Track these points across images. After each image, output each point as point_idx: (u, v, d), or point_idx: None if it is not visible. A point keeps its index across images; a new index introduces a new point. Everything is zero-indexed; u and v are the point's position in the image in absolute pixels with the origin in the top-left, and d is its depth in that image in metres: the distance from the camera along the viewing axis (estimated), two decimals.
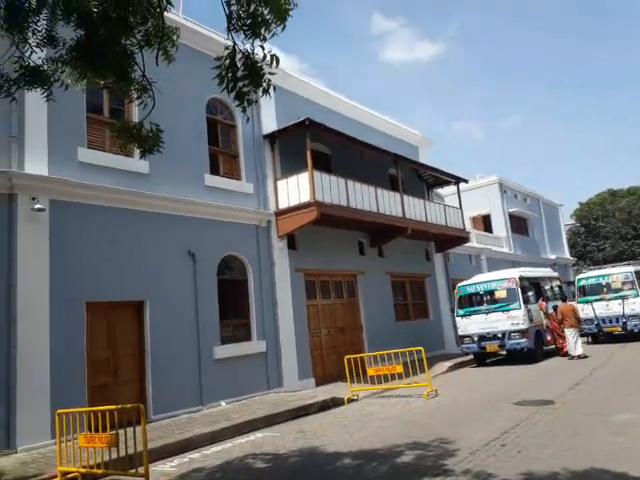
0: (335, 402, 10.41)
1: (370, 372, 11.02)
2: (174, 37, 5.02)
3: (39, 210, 8.45)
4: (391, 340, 14.60)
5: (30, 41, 4.86)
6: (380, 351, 11.79)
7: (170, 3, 4.55)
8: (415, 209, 16.60)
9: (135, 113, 10.24)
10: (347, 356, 11.33)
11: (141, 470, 5.55)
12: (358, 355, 11.71)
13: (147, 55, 5.14)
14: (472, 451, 6.00)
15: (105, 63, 4.80)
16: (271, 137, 13.58)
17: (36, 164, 8.70)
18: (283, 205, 13.16)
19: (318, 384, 13.00)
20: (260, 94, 4.53)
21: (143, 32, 4.96)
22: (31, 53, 4.86)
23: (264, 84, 4.39)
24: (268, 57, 4.05)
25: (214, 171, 12.15)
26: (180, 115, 10.86)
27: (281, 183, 13.41)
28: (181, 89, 10.96)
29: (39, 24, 4.96)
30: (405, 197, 16.17)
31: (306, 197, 12.74)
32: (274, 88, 4.52)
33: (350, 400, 10.63)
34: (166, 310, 10.12)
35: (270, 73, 4.40)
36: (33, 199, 8.48)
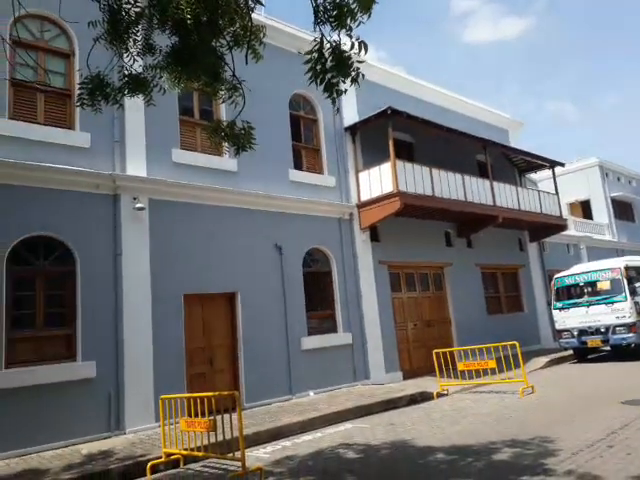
0: (424, 396, 10.23)
1: (460, 367, 10.70)
2: (261, 35, 5.14)
3: (140, 209, 9.06)
4: (482, 334, 14.08)
5: (131, 51, 5.20)
6: (470, 345, 11.41)
7: (260, 2, 4.66)
8: (506, 196, 15.81)
9: (223, 113, 10.65)
10: (435, 350, 11.08)
11: (238, 455, 5.79)
12: (447, 349, 11.41)
13: (236, 55, 5.31)
14: (575, 451, 5.63)
15: (198, 66, 5.03)
16: (352, 129, 13.55)
17: (136, 166, 9.35)
18: (365, 197, 13.10)
19: (405, 378, 12.84)
20: (349, 84, 4.51)
21: (232, 33, 5.13)
22: (133, 62, 5.18)
23: (352, 73, 4.37)
24: (356, 45, 4.02)
25: (298, 166, 12.36)
26: (266, 112, 11.13)
27: (363, 175, 13.35)
28: (266, 87, 11.22)
29: (138, 34, 5.30)
30: (495, 184, 15.46)
31: (389, 188, 12.59)
32: (363, 76, 4.49)
33: (440, 395, 10.39)
34: (256, 301, 10.48)
35: (358, 61, 4.38)
36: (134, 199, 9.12)
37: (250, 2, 4.91)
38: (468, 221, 15.30)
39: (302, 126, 12.87)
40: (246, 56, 5.09)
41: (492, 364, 10.21)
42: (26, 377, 7.55)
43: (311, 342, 11.25)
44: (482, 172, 16.32)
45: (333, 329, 12.04)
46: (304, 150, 12.80)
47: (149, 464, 6.34)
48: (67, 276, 8.41)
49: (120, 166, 9.19)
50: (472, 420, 7.92)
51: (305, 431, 8.05)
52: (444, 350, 11.10)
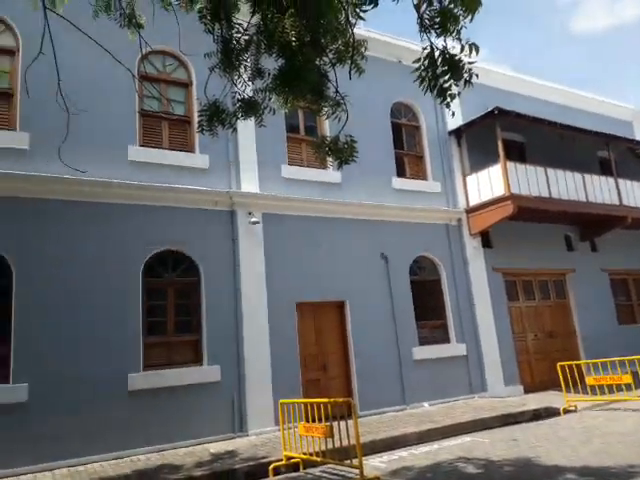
0: (549, 412, 9.53)
1: (589, 381, 9.84)
2: (363, 49, 5.25)
3: (254, 223, 9.62)
4: (612, 346, 12.80)
5: (243, 76, 5.59)
6: (600, 358, 10.43)
7: (361, 17, 4.78)
8: (635, 194, 14.31)
9: (327, 127, 10.96)
10: (560, 363, 10.30)
11: (355, 462, 5.86)
12: (574, 362, 10.55)
13: (338, 71, 5.48)
14: None
15: (304, 85, 5.26)
16: (457, 132, 13.18)
17: (250, 183, 9.95)
18: (474, 201, 12.63)
19: (527, 391, 12.06)
20: (462, 86, 4.45)
21: (334, 50, 5.31)
22: (245, 87, 5.57)
23: (465, 75, 4.31)
24: (466, 48, 3.98)
25: (401, 174, 12.29)
26: (368, 123, 11.24)
27: (470, 179, 12.90)
28: (367, 98, 11.35)
29: (248, 60, 5.69)
30: (621, 181, 14.08)
31: (500, 191, 12.02)
32: (476, 76, 4.42)
33: (567, 411, 9.62)
34: (364, 310, 10.55)
35: (470, 63, 4.32)
36: (249, 214, 9.70)
37: (351, 19, 5.05)
38: (591, 223, 14.06)
39: (404, 133, 12.80)
40: (350, 72, 5.23)
41: (627, 379, 9.26)
42: (160, 379, 8.33)
43: (423, 352, 11.03)
44: (604, 170, 14.94)
45: (445, 339, 11.70)
46: (407, 157, 12.70)
47: (271, 466, 6.64)
48: (193, 287, 9.16)
49: (235, 184, 9.84)
50: (607, 440, 7.22)
51: (421, 442, 7.89)
52: (570, 363, 10.30)
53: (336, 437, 6.15)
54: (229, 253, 9.47)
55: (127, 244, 8.53)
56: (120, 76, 7.87)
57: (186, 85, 10.02)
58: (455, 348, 11.58)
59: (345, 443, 6.16)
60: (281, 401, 7.33)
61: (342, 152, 5.67)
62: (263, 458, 7.02)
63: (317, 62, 5.39)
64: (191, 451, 7.89)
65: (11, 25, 8.50)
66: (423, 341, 11.25)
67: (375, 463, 6.88)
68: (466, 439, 7.98)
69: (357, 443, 5.87)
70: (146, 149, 9.21)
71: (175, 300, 8.99)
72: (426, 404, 10.62)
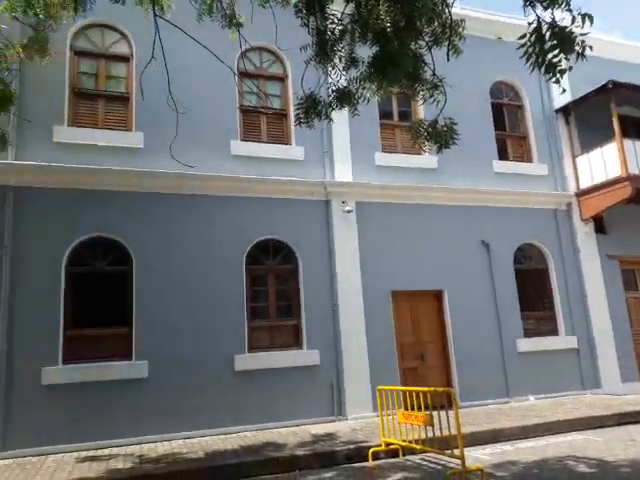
0: None
1: None
2: (460, 30, 5.07)
3: (348, 212, 9.71)
4: None
5: (337, 67, 5.65)
6: None
7: None
8: None
9: (421, 111, 10.71)
10: None
11: (456, 452, 5.76)
12: None
13: (435, 53, 5.33)
14: None
15: (399, 71, 5.20)
16: (564, 110, 12.22)
17: (343, 172, 10.04)
18: (585, 184, 11.69)
19: None
20: (574, 60, 4.13)
21: (430, 33, 5.18)
22: (339, 77, 5.63)
23: (577, 48, 4.00)
24: (578, 18, 3.68)
25: (502, 156, 11.69)
26: (466, 105, 10.79)
27: (581, 159, 11.94)
28: (465, 79, 10.89)
29: (342, 50, 5.73)
30: None
31: (615, 172, 11.01)
32: (590, 48, 4.09)
33: None
34: (464, 300, 10.25)
35: (582, 34, 4.00)
36: (343, 203, 9.80)
37: None
38: None
39: (505, 114, 12.13)
40: (447, 53, 5.07)
41: None
42: (263, 361, 8.77)
43: (528, 344, 10.51)
44: None
45: (553, 331, 11.03)
46: (509, 139, 12.04)
47: (370, 450, 6.74)
48: (291, 273, 9.50)
49: (330, 174, 9.98)
50: None
51: (526, 437, 7.55)
52: None
53: (436, 427, 6.09)
54: (325, 241, 9.66)
55: (231, 234, 9.03)
56: (222, 74, 8.31)
57: (282, 79, 10.31)
58: (564, 341, 10.88)
59: (445, 433, 6.07)
60: (379, 387, 7.37)
61: (441, 136, 5.53)
62: (362, 442, 7.14)
63: (412, 46, 5.30)
64: (293, 431, 8.24)
65: (126, 34, 9.29)
66: (528, 333, 10.71)
67: (477, 455, 6.72)
68: (577, 437, 7.51)
69: (458, 433, 5.76)
70: (246, 143, 9.64)
71: (275, 286, 9.39)
72: (531, 398, 10.13)
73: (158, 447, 7.56)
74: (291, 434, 8.02)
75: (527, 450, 6.86)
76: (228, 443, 7.56)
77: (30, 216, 8.04)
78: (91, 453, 7.36)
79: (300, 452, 6.76)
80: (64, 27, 7.62)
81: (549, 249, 11.31)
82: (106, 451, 7.46)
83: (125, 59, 9.30)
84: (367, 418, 8.90)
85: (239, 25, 6.72)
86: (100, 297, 8.34)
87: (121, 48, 9.34)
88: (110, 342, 8.21)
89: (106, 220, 8.40)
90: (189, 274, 8.66)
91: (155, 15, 6.67)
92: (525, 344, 10.48)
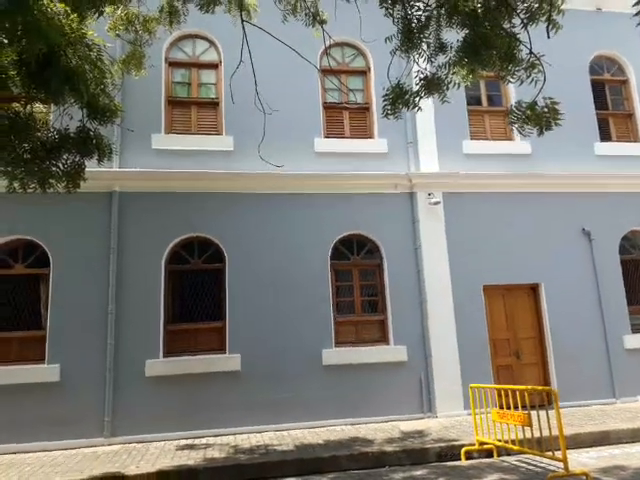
0: None
1: None
2: (559, 3, 4.72)
3: (435, 203, 9.46)
4: None
5: (426, 54, 5.50)
6: None
7: None
8: None
9: (512, 95, 10.15)
10: None
11: (558, 454, 5.44)
12: None
13: (530, 31, 5.02)
14: None
15: (492, 53, 4.95)
16: None
17: (429, 163, 9.79)
18: None
19: None
20: None
21: (525, 10, 4.88)
22: (428, 64, 5.47)
23: None
24: None
25: (605, 138, 10.79)
26: (562, 84, 9.88)
27: None
28: (562, 56, 10.12)
29: (430, 37, 5.57)
30: None
31: None
32: None
33: None
34: (563, 293, 9.61)
35: None
36: (429, 194, 9.56)
37: None
38: None
39: (607, 91, 11.16)
40: (547, 29, 4.74)
41: None
42: (350, 356, 8.81)
43: (636, 341, 9.65)
44: None
45: None
46: (612, 118, 11.07)
47: (463, 449, 6.56)
48: (376, 268, 9.44)
49: (414, 165, 9.78)
50: None
51: (637, 441, 6.97)
52: None
53: (534, 427, 5.79)
54: (410, 235, 9.48)
55: (316, 230, 9.15)
56: (305, 72, 8.46)
57: (364, 72, 10.23)
58: None
59: (544, 434, 5.76)
60: (471, 385, 7.13)
61: (542, 118, 5.18)
62: (454, 441, 6.96)
63: (506, 25, 5.02)
64: (381, 427, 8.21)
65: (214, 41, 9.69)
66: (637, 328, 9.82)
67: (581, 458, 6.30)
68: None
69: (560, 434, 5.44)
70: (330, 140, 9.70)
71: (360, 281, 9.38)
72: None
73: (251, 438, 7.87)
74: (380, 430, 7.99)
75: (638, 455, 6.31)
76: (317, 436, 7.70)
77: (133, 219, 8.68)
78: (189, 442, 7.81)
79: (389, 448, 6.72)
80: (159, 40, 8.09)
81: None
82: (203, 440, 7.88)
83: (214, 66, 9.72)
84: (458, 416, 8.66)
85: (323, 22, 6.77)
86: (197, 293, 8.83)
87: (210, 56, 9.76)
88: (206, 336, 8.67)
89: (201, 220, 8.86)
90: (277, 270, 8.90)
91: (242, 20, 6.91)
92: (633, 340, 9.63)
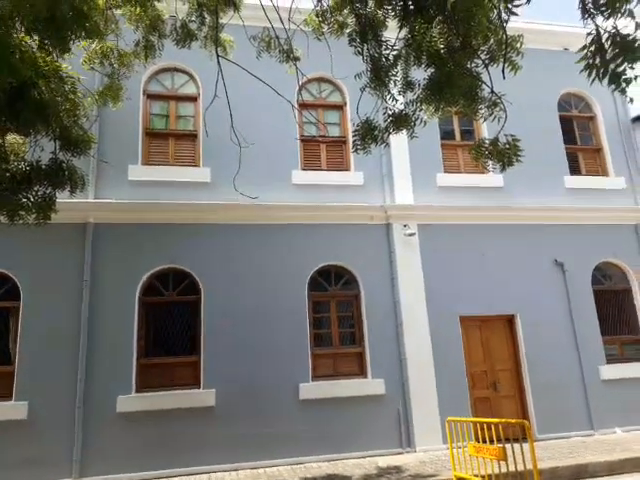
0: None
1: None
2: (518, 45, 4.93)
3: (410, 235, 9.55)
4: None
5: (392, 92, 5.66)
6: None
7: (513, 12, 4.50)
8: None
9: (485, 129, 10.44)
10: None
11: None
12: None
13: (492, 70, 5.21)
14: None
15: (456, 90, 5.13)
16: None
17: (404, 195, 9.93)
18: None
19: None
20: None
21: (486, 51, 5.08)
22: (395, 102, 5.63)
23: None
24: None
25: (575, 171, 11.10)
26: (530, 120, 10.41)
27: None
28: (531, 93, 10.57)
29: (397, 75, 5.75)
30: None
31: None
32: None
33: None
34: (538, 324, 9.68)
35: None
36: (404, 226, 9.67)
37: (503, 15, 4.78)
38: None
39: (576, 126, 11.56)
40: (503, 71, 4.95)
41: None
42: (328, 389, 8.68)
43: (612, 372, 9.70)
44: None
45: None
46: (581, 152, 11.42)
47: None
48: (353, 299, 9.43)
49: (390, 197, 9.91)
50: None
51: (614, 473, 6.93)
52: None
53: (510, 460, 5.73)
54: (387, 266, 9.52)
55: (293, 261, 9.14)
56: (282, 106, 8.58)
57: (341, 107, 10.45)
58: None
59: (520, 467, 5.70)
60: (448, 419, 7.07)
61: (504, 154, 5.35)
62: (431, 476, 6.86)
63: (469, 65, 5.22)
64: (359, 463, 8.05)
65: (193, 75, 9.85)
66: (612, 359, 9.90)
67: None
68: None
69: (534, 469, 5.40)
70: (307, 172, 9.81)
71: (337, 312, 9.34)
72: (619, 430, 9.30)
73: (225, 477, 7.64)
74: (357, 466, 7.83)
75: None
76: (294, 474, 7.51)
77: (107, 250, 8.58)
78: None
79: None
80: (137, 73, 8.18)
81: (631, 267, 10.49)
82: (177, 479, 7.63)
83: (193, 99, 9.84)
84: (437, 450, 8.53)
85: (296, 59, 6.95)
86: (171, 326, 8.69)
87: (189, 89, 9.90)
88: (180, 370, 8.49)
89: (177, 252, 8.80)
90: (254, 302, 8.83)
91: (218, 55, 7.05)
92: (609, 371, 9.69)
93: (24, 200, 6.06)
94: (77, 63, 6.90)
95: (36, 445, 7.63)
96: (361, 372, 9.03)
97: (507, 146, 5.24)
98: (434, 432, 8.70)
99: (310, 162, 10.00)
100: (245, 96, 8.99)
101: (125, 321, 8.35)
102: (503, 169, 5.56)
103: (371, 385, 8.86)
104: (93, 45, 6.83)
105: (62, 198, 6.77)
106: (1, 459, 7.47)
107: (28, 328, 8.06)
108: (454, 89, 5.10)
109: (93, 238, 8.56)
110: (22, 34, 5.35)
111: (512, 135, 5.24)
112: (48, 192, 6.23)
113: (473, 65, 5.28)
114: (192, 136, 9.64)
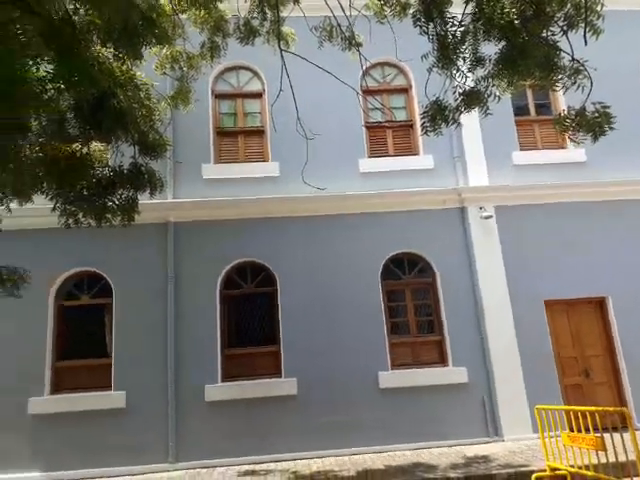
0: None
1: None
2: (598, 8, 4.54)
3: (487, 218, 9.18)
4: None
5: (462, 69, 5.42)
6: None
7: None
8: None
9: (562, 101, 9.78)
10: None
11: None
12: None
13: (572, 36, 4.84)
14: None
15: (531, 62, 4.82)
16: None
17: (478, 176, 9.55)
18: None
19: None
20: None
21: (563, 17, 4.72)
22: (465, 79, 5.39)
23: None
24: None
25: None
26: (616, 86, 9.57)
27: None
28: (613, 57, 9.73)
29: (466, 52, 5.50)
30: None
31: None
32: None
33: None
34: (634, 306, 8.98)
35: None
36: (480, 208, 9.30)
37: None
38: None
39: None
40: (584, 36, 4.57)
41: None
42: (407, 378, 8.59)
43: None
44: None
45: None
46: None
47: (534, 476, 6.20)
48: (429, 287, 9.23)
49: (463, 179, 9.57)
50: None
51: None
52: None
53: (610, 451, 5.38)
54: (463, 251, 9.22)
55: (365, 250, 9.08)
56: (346, 94, 8.53)
57: (406, 90, 10.21)
58: None
59: (622, 458, 5.33)
60: (537, 407, 6.75)
61: (594, 124, 4.94)
62: (522, 466, 6.60)
63: (544, 34, 4.88)
64: (445, 452, 7.91)
65: (257, 71, 10.01)
66: None
67: None
68: None
69: (638, 460, 5.02)
70: (373, 159, 9.69)
71: (413, 301, 9.18)
72: None
73: (311, 464, 7.78)
74: (443, 455, 7.70)
75: None
76: (378, 462, 7.52)
77: (187, 247, 8.97)
78: (250, 467, 7.82)
79: (453, 474, 6.46)
80: (205, 74, 8.43)
81: None
82: (263, 466, 7.87)
83: (258, 95, 10.01)
84: (527, 440, 8.19)
85: (359, 45, 6.85)
86: (250, 317, 8.96)
87: (254, 85, 10.08)
88: (261, 360, 8.74)
89: (252, 245, 9.03)
90: (328, 292, 8.88)
91: (281, 49, 7.11)
92: None
93: (110, 204, 6.46)
94: (149, 69, 7.22)
95: (135, 431, 8.16)
96: (442, 360, 8.85)
97: (596, 114, 4.83)
98: (523, 421, 8.36)
99: (376, 149, 9.86)
100: (308, 87, 8.98)
101: (208, 313, 8.71)
102: (595, 140, 5.13)
103: (453, 373, 8.66)
104: (163, 51, 7.12)
105: (143, 200, 7.15)
106: (105, 444, 8.06)
107: (121, 322, 8.62)
108: (529, 60, 4.79)
109: (174, 236, 8.98)
110: (98, 46, 5.69)
111: (600, 102, 4.84)
112: (131, 195, 6.60)
113: (549, 34, 4.94)
114: (260, 132, 9.82)
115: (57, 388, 8.42)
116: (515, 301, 8.93)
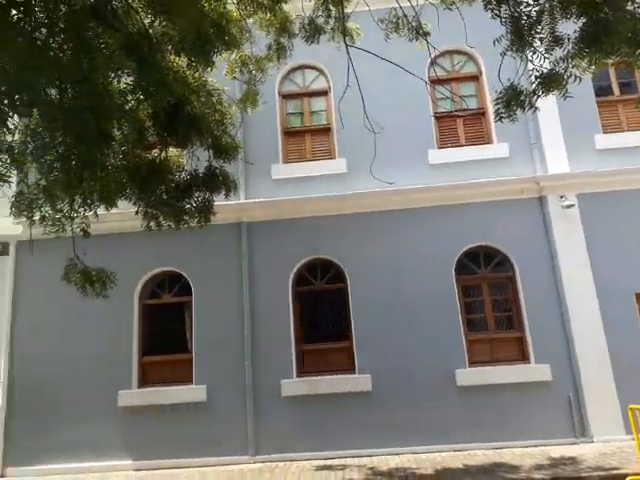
0: None
1: None
2: None
3: (569, 206, 8.66)
4: None
5: (539, 50, 5.13)
6: None
7: None
8: None
9: None
10: None
11: None
12: None
13: None
14: None
15: (615, 38, 4.48)
16: None
17: (557, 163, 9.02)
18: None
19: None
20: None
21: None
22: (542, 61, 5.10)
23: None
24: None
25: None
26: None
27: None
28: None
29: (542, 32, 5.19)
30: None
31: None
32: None
33: None
34: None
35: None
36: (561, 197, 8.79)
37: None
38: None
39: None
40: None
41: None
42: (486, 376, 8.31)
43: None
44: None
45: None
46: None
47: (628, 479, 5.78)
48: (508, 281, 8.86)
49: (541, 167, 9.09)
50: None
51: None
52: None
53: None
54: (543, 242, 8.77)
55: (437, 244, 8.86)
56: (413, 86, 8.38)
57: (476, 77, 9.84)
58: None
59: None
60: (631, 407, 6.28)
61: None
62: (614, 469, 6.20)
63: (629, 7, 4.51)
64: (527, 452, 7.58)
65: (322, 69, 10.05)
66: None
67: None
68: None
69: None
70: (444, 150, 9.44)
71: (491, 296, 8.86)
72: None
73: (388, 460, 7.73)
74: (526, 455, 7.38)
75: None
76: (458, 460, 7.34)
77: (260, 246, 9.20)
78: (327, 462, 7.90)
79: (538, 476, 6.17)
80: (272, 76, 8.59)
81: None
82: (341, 461, 7.92)
83: (324, 93, 10.04)
84: (618, 441, 7.68)
85: (426, 34, 6.68)
86: (322, 313, 9.04)
87: (320, 83, 10.12)
88: (334, 356, 8.80)
89: (322, 242, 9.10)
90: (400, 287, 8.77)
91: (347, 45, 7.09)
92: None
93: (187, 206, 6.76)
94: (219, 75, 7.45)
95: (216, 425, 8.50)
96: (523, 357, 8.48)
97: None
98: (614, 421, 7.84)
99: (446, 139, 9.59)
100: (374, 82, 8.90)
101: (282, 310, 8.89)
102: None
103: (535, 371, 8.27)
104: (232, 56, 7.32)
105: (218, 201, 7.41)
106: (188, 435, 8.46)
107: (200, 320, 9.00)
108: (613, 37, 4.44)
109: (247, 235, 9.23)
110: (172, 56, 5.95)
111: None
112: (206, 197, 6.86)
113: (635, 6, 4.55)
114: (326, 130, 9.86)
115: (144, 382, 8.94)
116: (603, 295, 8.37)
